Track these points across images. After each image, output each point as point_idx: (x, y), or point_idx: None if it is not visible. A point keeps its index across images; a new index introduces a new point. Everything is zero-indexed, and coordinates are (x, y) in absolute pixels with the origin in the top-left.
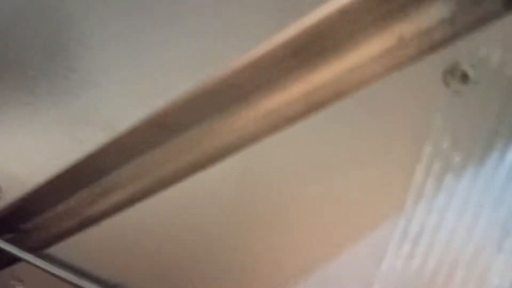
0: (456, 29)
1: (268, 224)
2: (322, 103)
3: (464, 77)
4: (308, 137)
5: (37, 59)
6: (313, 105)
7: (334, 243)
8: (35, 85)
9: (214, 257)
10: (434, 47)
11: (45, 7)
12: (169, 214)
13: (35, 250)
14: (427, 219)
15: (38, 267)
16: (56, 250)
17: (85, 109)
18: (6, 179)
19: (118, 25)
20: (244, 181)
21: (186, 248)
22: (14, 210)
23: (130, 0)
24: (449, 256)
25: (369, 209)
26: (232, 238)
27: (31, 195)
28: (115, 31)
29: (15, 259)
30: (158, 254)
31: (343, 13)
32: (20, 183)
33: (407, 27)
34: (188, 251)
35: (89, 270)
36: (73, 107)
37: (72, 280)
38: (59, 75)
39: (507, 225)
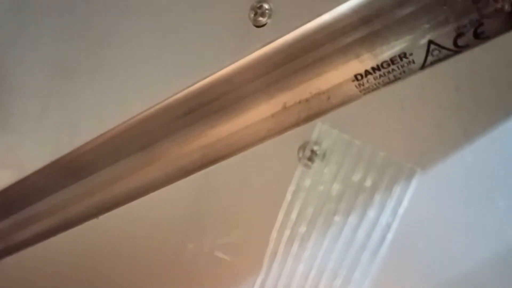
0: (333, 103)
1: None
2: (215, 158)
3: (312, 153)
4: (184, 200)
5: None
6: (208, 159)
7: None
8: None
9: None
10: (311, 116)
11: None
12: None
13: None
14: (278, 282)
15: None
16: None
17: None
18: None
19: (37, 81)
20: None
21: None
22: None
23: (50, 62)
24: None
25: (232, 269)
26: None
27: None
28: (34, 86)
29: None
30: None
31: (231, 80)
32: None
33: (290, 97)
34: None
35: None
36: None
37: None
38: None
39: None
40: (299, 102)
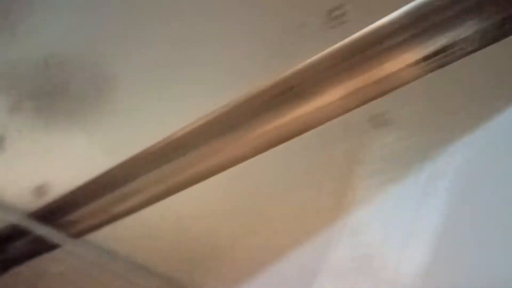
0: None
1: None
2: (292, 134)
3: None
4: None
5: None
6: (285, 136)
7: None
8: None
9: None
10: (374, 98)
11: None
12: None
13: (74, 238)
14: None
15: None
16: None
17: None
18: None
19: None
20: None
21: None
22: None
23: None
24: None
25: None
26: None
27: (70, 195)
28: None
29: (55, 246)
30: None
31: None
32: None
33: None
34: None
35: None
36: (106, 132)
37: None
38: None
39: None
40: (365, 86)
